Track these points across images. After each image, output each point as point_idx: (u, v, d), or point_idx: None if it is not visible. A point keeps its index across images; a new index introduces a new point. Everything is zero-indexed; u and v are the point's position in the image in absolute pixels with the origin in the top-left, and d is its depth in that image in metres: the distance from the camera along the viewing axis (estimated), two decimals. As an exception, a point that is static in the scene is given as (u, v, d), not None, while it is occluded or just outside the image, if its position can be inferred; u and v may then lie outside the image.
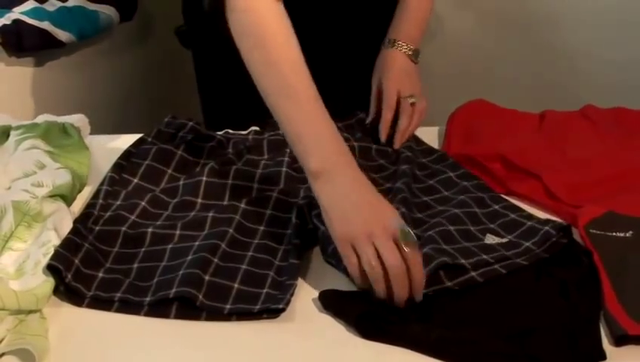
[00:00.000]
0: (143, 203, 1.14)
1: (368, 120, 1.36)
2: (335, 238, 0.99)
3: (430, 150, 1.32)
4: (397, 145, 1.31)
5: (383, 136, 1.32)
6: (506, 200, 1.18)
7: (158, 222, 1.11)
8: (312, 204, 1.10)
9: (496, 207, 1.16)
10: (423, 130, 1.37)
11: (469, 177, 1.23)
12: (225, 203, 1.16)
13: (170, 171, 1.21)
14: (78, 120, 1.33)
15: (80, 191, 1.21)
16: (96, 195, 1.16)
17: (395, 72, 1.36)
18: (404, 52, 1.38)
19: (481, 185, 1.21)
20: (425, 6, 1.44)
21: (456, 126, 1.37)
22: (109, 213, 1.12)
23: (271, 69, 1.07)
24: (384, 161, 1.29)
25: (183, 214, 1.13)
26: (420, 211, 1.15)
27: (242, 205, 1.14)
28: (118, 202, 1.15)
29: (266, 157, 1.25)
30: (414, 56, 1.40)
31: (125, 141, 1.29)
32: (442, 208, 1.15)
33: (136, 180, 1.20)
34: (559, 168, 1.25)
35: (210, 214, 1.12)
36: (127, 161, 1.22)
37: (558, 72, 2.12)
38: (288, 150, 1.23)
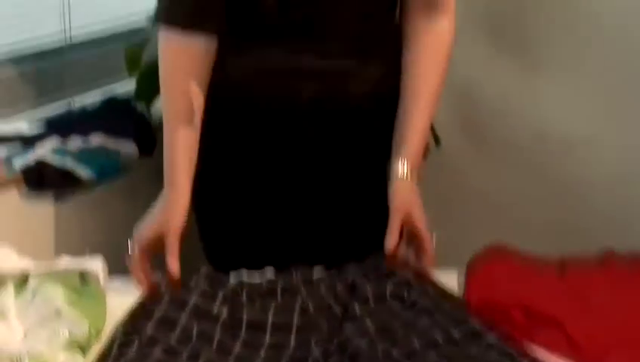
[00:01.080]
0: (157, 353, 1.13)
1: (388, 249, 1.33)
2: None
3: (447, 294, 1.28)
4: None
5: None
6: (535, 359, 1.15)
7: None
8: (326, 354, 1.10)
9: None
10: (440, 272, 1.35)
11: (491, 331, 1.19)
12: (237, 356, 1.16)
13: (184, 321, 1.21)
14: (96, 265, 1.34)
15: (98, 340, 1.20)
16: (109, 346, 1.15)
17: (420, 209, 1.35)
18: (413, 180, 1.37)
19: (503, 342, 1.17)
20: (435, 89, 1.40)
21: (476, 273, 1.36)
22: None
23: (163, 96, 1.38)
24: (399, 308, 1.25)
25: None
26: None
27: (256, 359, 1.14)
28: (132, 352, 1.14)
29: (279, 301, 1.25)
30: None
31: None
32: None
33: (149, 330, 1.19)
34: (582, 317, 1.23)
35: None
36: (141, 309, 1.23)
37: (571, 209, 2.11)
38: (300, 297, 1.25)
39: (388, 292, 1.28)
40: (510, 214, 2.18)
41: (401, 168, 1.37)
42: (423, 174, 1.42)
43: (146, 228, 1.35)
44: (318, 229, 1.53)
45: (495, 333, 1.18)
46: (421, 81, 1.40)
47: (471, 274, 1.36)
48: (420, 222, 1.35)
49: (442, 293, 1.30)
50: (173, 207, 1.35)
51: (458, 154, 2.24)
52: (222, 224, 1.55)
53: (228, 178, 1.50)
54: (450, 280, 1.36)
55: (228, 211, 1.53)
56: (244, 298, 1.26)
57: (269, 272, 1.33)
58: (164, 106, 1.39)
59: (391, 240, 1.33)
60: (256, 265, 1.35)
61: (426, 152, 1.46)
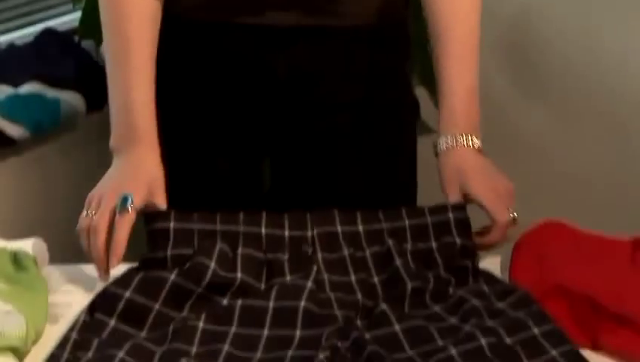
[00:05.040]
0: (121, 354, 1.09)
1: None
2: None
3: (507, 289, 1.23)
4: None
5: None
6: None
7: None
8: (334, 358, 1.07)
9: None
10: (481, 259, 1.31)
11: (558, 339, 1.13)
12: (227, 356, 1.12)
13: (157, 307, 1.17)
14: (34, 245, 1.28)
15: (36, 341, 1.16)
16: (61, 345, 1.11)
17: (487, 182, 1.34)
18: (473, 147, 1.36)
19: (574, 353, 1.12)
20: (472, 43, 1.40)
21: (526, 254, 1.30)
22: None
23: (110, 36, 1.37)
24: (439, 309, 1.21)
25: None
26: None
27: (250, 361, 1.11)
28: (90, 354, 1.10)
29: (287, 279, 1.21)
30: (480, 147, 1.37)
31: (93, 272, 1.27)
32: None
33: (112, 322, 1.15)
34: None
35: None
36: (103, 296, 1.19)
37: None
38: (315, 267, 1.21)
39: (428, 291, 1.23)
40: (571, 183, 2.13)
41: (447, 139, 1.37)
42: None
43: (133, 184, 1.29)
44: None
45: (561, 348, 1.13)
46: (459, 19, 1.40)
47: (519, 255, 1.31)
48: (479, 189, 1.33)
49: (505, 290, 1.24)
50: (146, 165, 1.32)
51: (499, 106, 2.17)
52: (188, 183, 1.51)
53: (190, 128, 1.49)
54: (492, 268, 1.31)
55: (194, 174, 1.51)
56: (239, 274, 1.20)
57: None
58: (109, 36, 1.37)
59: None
60: None
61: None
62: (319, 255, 1.23)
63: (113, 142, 1.35)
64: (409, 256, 1.25)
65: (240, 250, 1.22)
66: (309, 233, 1.25)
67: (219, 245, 1.22)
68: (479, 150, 1.37)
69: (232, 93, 1.43)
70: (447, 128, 1.37)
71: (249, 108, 1.44)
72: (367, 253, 1.25)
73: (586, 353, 1.12)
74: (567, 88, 2.13)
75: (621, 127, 2.09)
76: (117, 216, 1.24)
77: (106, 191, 1.27)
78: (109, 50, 1.37)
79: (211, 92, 1.44)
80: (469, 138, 1.36)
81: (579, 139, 2.13)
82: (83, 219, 1.26)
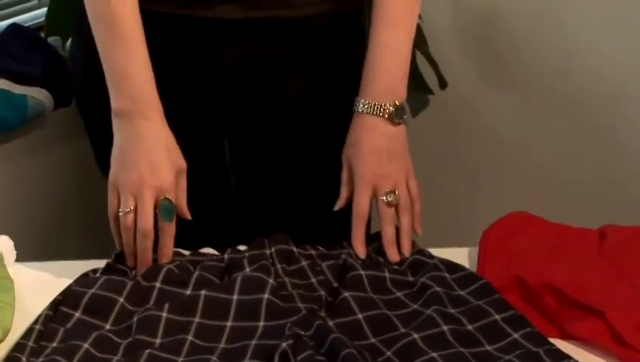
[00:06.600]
0: (86, 345, 1.10)
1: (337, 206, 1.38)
2: (109, 179, 1.26)
3: (469, 278, 1.26)
4: (397, 257, 1.31)
5: (361, 254, 1.32)
6: (568, 357, 1.12)
7: None
8: (297, 346, 1.08)
9: None
10: (449, 251, 1.33)
11: (519, 324, 1.17)
12: (191, 347, 1.14)
13: (121, 300, 1.19)
14: (1, 243, 1.30)
15: (3, 339, 1.16)
16: (26, 336, 1.12)
17: (366, 155, 1.35)
18: (380, 115, 1.35)
19: (535, 334, 1.15)
20: (405, 19, 1.39)
21: (492, 246, 1.32)
22: (41, 360, 1.08)
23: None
24: (402, 295, 1.24)
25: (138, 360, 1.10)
26: None
27: (213, 351, 1.12)
28: (54, 344, 1.11)
29: (247, 274, 1.24)
30: (396, 115, 1.35)
31: (61, 269, 1.28)
32: None
33: (77, 314, 1.17)
34: (628, 303, 1.20)
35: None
36: (65, 295, 1.20)
37: (618, 169, 2.08)
38: (273, 270, 1.25)
39: (388, 278, 1.27)
40: (537, 172, 2.15)
41: (359, 104, 1.37)
42: (410, 120, 1.42)
43: (167, 173, 1.26)
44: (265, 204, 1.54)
45: (521, 331, 1.16)
46: None
47: (486, 248, 1.33)
48: (359, 163, 1.35)
49: (467, 278, 1.27)
50: (163, 140, 1.28)
51: (471, 98, 2.19)
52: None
53: None
54: (459, 259, 1.32)
55: None
56: (200, 272, 1.25)
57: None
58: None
59: (340, 200, 1.37)
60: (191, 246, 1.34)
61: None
62: (278, 266, 1.27)
63: (118, 110, 1.28)
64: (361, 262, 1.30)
65: (200, 265, 1.26)
66: (268, 251, 1.29)
67: (181, 260, 1.27)
68: (392, 121, 1.35)
69: (184, 82, 1.42)
70: (366, 89, 1.37)
71: (202, 96, 1.43)
72: (324, 265, 1.29)
73: (556, 342, 1.15)
74: (534, 78, 2.16)
75: (589, 117, 2.12)
76: (161, 222, 1.23)
77: (138, 182, 1.24)
78: (96, 15, 1.30)
79: (165, 80, 1.38)
80: (382, 107, 1.34)
81: (547, 129, 2.16)
82: (125, 217, 1.23)
